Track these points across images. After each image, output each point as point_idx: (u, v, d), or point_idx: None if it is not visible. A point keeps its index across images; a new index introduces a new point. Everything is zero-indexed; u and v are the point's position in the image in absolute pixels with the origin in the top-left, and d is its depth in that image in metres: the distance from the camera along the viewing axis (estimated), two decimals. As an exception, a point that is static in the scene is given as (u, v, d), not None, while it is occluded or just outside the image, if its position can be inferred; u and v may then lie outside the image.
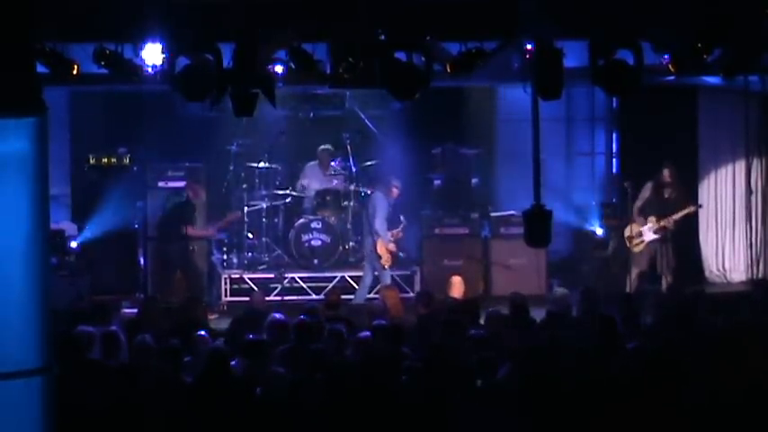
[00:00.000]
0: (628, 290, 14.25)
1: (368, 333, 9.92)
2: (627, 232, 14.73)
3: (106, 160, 15.14)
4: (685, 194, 15.02)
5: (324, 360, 9.01)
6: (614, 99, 16.54)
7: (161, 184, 15.34)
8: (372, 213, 14.79)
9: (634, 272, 14.72)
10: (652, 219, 14.71)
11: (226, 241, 15.87)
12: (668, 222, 14.69)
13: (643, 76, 10.91)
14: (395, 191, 14.83)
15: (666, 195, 14.85)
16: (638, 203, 14.85)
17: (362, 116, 16.10)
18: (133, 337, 9.91)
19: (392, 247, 14.55)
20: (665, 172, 14.97)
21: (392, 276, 15.10)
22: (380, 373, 8.81)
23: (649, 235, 14.69)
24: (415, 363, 9.00)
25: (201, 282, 14.85)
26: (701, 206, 15.80)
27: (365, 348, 9.56)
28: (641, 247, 14.72)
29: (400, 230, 15.08)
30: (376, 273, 14.74)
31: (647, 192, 14.90)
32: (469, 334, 10.02)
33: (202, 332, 10.35)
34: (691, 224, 16.32)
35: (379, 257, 14.50)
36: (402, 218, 15.33)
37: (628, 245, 14.80)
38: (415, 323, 11.34)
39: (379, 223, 14.65)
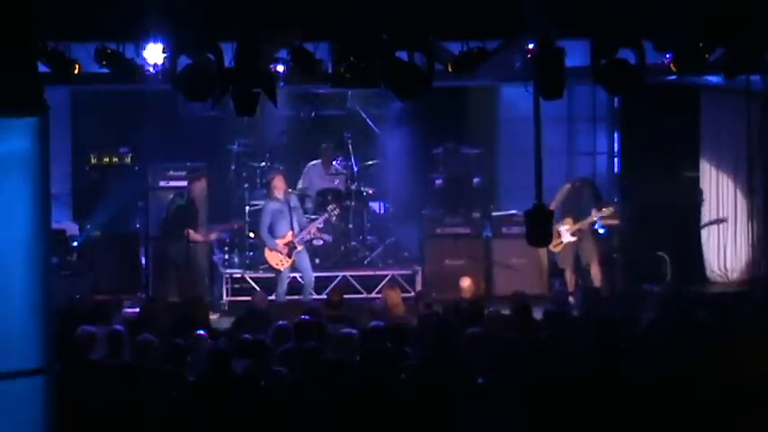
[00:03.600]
0: (569, 289, 14.20)
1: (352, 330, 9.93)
2: None
3: (108, 160, 15.16)
4: (599, 197, 15.00)
5: (323, 359, 9.01)
6: (616, 98, 16.52)
7: (162, 183, 15.36)
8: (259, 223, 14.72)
9: (567, 272, 14.69)
10: (569, 220, 14.68)
11: (227, 241, 15.87)
12: (583, 225, 14.67)
13: (645, 76, 10.91)
14: (277, 182, 14.52)
15: (581, 196, 14.83)
16: (558, 199, 14.72)
17: (364, 115, 16.11)
18: (135, 337, 9.91)
19: (283, 249, 14.31)
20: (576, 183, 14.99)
21: (394, 276, 15.11)
22: (381, 373, 8.82)
23: (567, 236, 14.66)
24: (416, 362, 9.00)
25: (202, 282, 14.82)
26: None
27: (362, 347, 9.57)
28: (560, 248, 14.70)
29: (315, 226, 14.76)
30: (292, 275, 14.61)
31: (564, 190, 14.85)
32: (469, 334, 10.02)
33: (201, 331, 10.35)
34: (692, 223, 16.34)
35: (268, 263, 14.40)
36: (329, 207, 15.09)
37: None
38: (416, 323, 11.35)
39: (262, 231, 14.46)
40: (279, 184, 14.50)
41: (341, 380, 8.57)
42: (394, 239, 15.90)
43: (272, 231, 14.43)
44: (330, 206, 15.08)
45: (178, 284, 14.46)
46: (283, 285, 14.36)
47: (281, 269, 14.36)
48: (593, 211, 14.69)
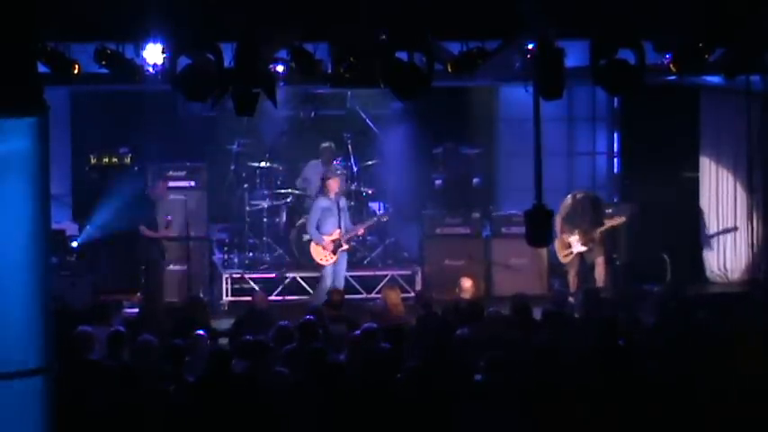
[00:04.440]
0: (571, 290, 14.24)
1: (358, 332, 9.96)
2: (556, 244, 14.65)
3: (107, 160, 15.17)
4: (601, 209, 15.05)
5: (325, 360, 9.01)
6: (616, 99, 16.55)
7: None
8: (307, 218, 14.86)
9: (570, 273, 14.71)
10: (579, 231, 14.68)
11: (227, 241, 15.88)
12: (595, 235, 14.69)
13: (644, 76, 10.90)
14: (332, 184, 14.59)
15: (584, 208, 14.85)
16: (562, 213, 14.74)
17: (364, 116, 16.11)
18: (134, 337, 9.91)
19: (329, 245, 14.44)
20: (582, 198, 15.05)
21: (393, 276, 15.11)
22: (379, 373, 8.82)
23: (578, 247, 14.67)
24: (415, 363, 9.00)
25: (159, 276, 14.58)
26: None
27: (362, 347, 9.58)
28: (570, 258, 14.73)
29: (363, 227, 14.91)
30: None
31: (568, 201, 14.86)
32: (468, 334, 10.03)
33: (201, 332, 10.35)
34: (692, 223, 16.34)
35: (313, 258, 14.53)
36: (378, 211, 15.17)
37: (558, 256, 14.81)
38: (414, 323, 11.36)
39: (310, 225, 14.59)
40: (334, 185, 14.61)
41: (340, 380, 8.57)
42: (394, 239, 15.90)
43: (318, 228, 14.55)
44: (380, 212, 15.15)
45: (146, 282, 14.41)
46: (326, 282, 14.40)
47: (325, 264, 14.47)
48: (605, 221, 14.75)
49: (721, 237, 16.35)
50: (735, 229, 16.19)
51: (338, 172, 15.84)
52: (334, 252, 14.44)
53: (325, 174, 14.96)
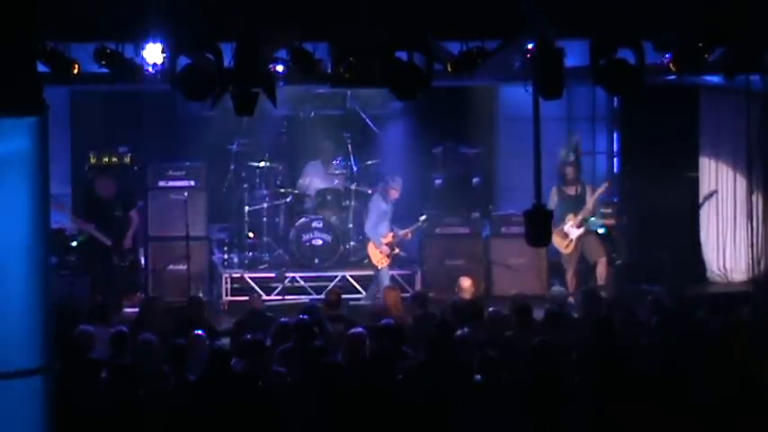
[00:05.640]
0: (570, 290, 14.22)
1: (360, 329, 9.96)
2: (554, 240, 14.62)
3: (107, 160, 15.16)
4: (586, 188, 15.05)
5: (323, 359, 9.01)
6: (615, 98, 16.54)
7: (161, 183, 15.33)
8: (366, 216, 15.03)
9: (568, 273, 14.70)
10: (569, 217, 14.69)
11: (226, 241, 15.87)
12: (585, 213, 14.70)
13: (644, 76, 10.90)
14: (393, 192, 14.85)
15: (571, 193, 14.85)
16: (552, 207, 14.70)
17: (363, 115, 16.12)
18: (134, 337, 9.92)
19: (385, 249, 14.58)
20: (568, 169, 15.02)
21: (392, 276, 15.11)
22: (378, 373, 8.82)
23: (573, 231, 14.69)
24: (413, 362, 9.01)
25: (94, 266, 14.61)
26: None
27: (360, 346, 9.58)
28: (571, 247, 14.72)
29: (409, 231, 15.03)
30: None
31: (554, 197, 14.85)
32: (468, 334, 10.02)
33: (200, 331, 10.35)
34: (692, 223, 16.34)
35: (370, 259, 14.63)
36: (423, 216, 15.27)
37: (559, 249, 14.80)
38: (411, 323, 11.37)
39: (369, 227, 14.86)
40: (395, 193, 14.90)
41: (339, 380, 8.57)
42: (393, 239, 15.90)
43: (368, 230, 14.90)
44: (423, 216, 15.27)
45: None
46: (386, 281, 14.51)
47: (380, 267, 14.73)
48: (590, 191, 14.76)
49: (721, 236, 16.33)
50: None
51: (338, 172, 15.86)
52: (389, 256, 14.73)
53: (390, 183, 15.01)
